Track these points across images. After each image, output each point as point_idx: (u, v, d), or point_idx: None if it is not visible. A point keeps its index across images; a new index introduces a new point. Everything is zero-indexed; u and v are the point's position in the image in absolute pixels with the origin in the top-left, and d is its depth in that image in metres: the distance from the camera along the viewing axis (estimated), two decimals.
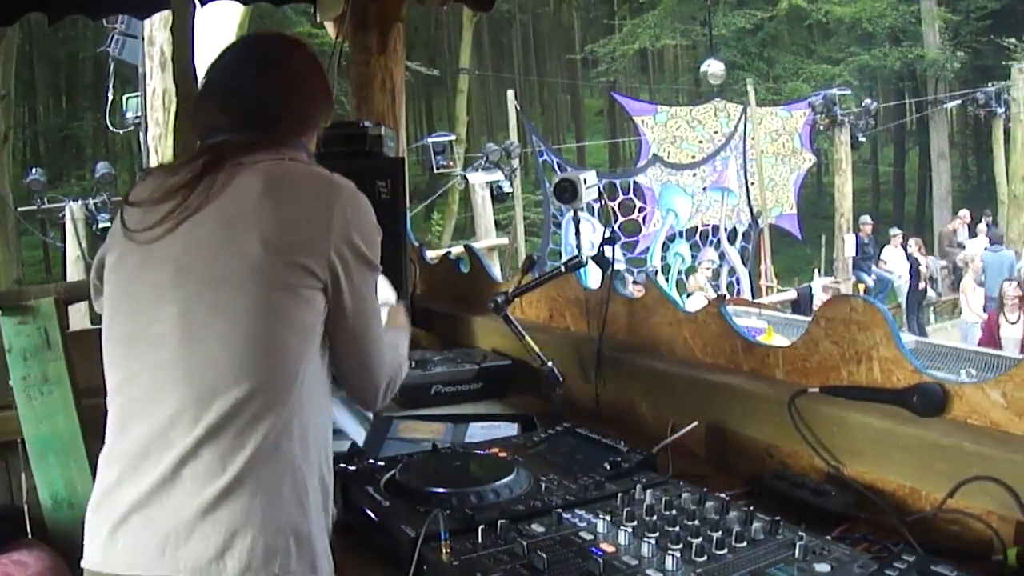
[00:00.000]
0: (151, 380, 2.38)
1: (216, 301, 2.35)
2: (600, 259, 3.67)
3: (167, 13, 5.56)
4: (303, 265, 2.37)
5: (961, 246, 24.86)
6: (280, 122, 2.61)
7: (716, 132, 21.75)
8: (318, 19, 6.16)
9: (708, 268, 19.28)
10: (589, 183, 3.67)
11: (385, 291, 3.10)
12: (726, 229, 20.61)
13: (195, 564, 2.22)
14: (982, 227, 25.32)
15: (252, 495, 2.25)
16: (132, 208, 2.53)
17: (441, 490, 2.46)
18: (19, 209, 16.09)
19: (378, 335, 2.61)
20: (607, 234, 3.79)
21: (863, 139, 25.67)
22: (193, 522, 2.23)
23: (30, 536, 4.29)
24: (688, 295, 17.90)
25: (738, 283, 20.54)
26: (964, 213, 26.86)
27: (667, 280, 18.94)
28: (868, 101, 26.37)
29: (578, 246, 3.76)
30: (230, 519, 2.23)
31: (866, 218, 25.21)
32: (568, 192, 3.64)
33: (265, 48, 2.78)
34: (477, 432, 3.53)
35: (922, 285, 23.24)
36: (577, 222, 3.85)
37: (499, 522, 2.23)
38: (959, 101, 31.78)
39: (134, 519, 2.29)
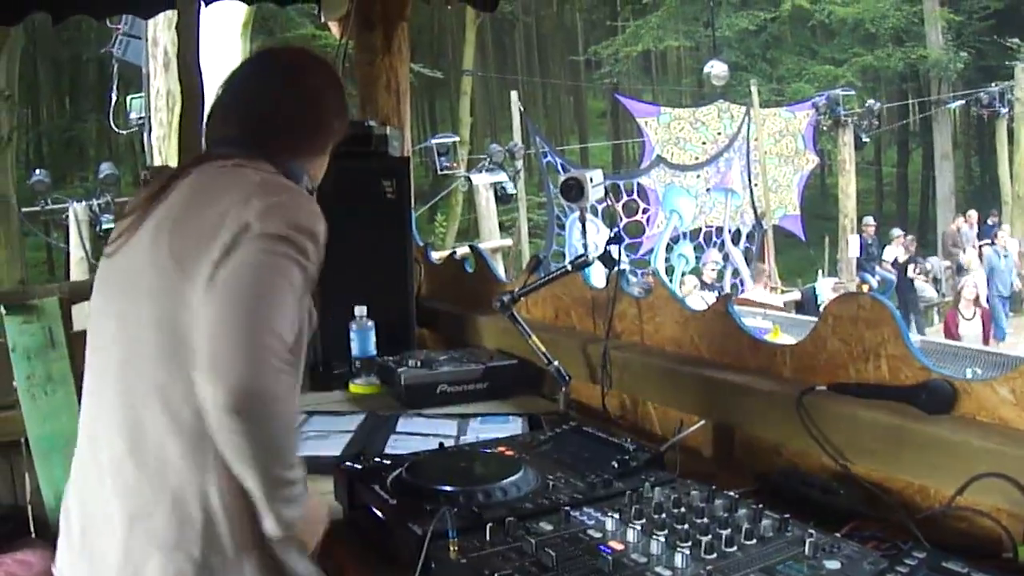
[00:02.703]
0: (98, 391, 2.44)
1: (140, 317, 2.33)
2: (606, 258, 3.67)
3: (171, 13, 5.58)
4: (195, 274, 2.25)
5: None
6: (276, 139, 2.60)
7: (719, 133, 21.73)
8: (322, 19, 6.18)
9: (713, 269, 19.26)
10: (596, 182, 3.66)
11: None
12: (730, 230, 20.59)
13: None
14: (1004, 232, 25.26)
15: (167, 515, 2.26)
16: (116, 223, 2.58)
17: (448, 488, 2.45)
18: (23, 210, 16.10)
19: (250, 314, 2.17)
20: (613, 233, 3.76)
21: (866, 140, 25.69)
22: (114, 541, 2.30)
23: (33, 535, 4.30)
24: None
25: (742, 284, 20.53)
26: (971, 214, 26.80)
27: (671, 282, 18.93)
28: (871, 102, 26.34)
29: (584, 245, 3.76)
30: (145, 540, 2.27)
31: (869, 219, 25.23)
32: (575, 191, 3.63)
33: (279, 64, 2.77)
34: (483, 431, 3.53)
35: (915, 282, 23.21)
36: (583, 222, 3.84)
37: (507, 520, 2.22)
38: (962, 101, 31.73)
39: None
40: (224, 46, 10.14)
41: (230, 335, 2.11)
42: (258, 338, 2.11)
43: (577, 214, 3.75)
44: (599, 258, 3.70)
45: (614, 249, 3.68)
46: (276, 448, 2.18)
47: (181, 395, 2.22)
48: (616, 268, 3.69)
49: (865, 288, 20.82)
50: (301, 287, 2.29)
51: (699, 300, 14.73)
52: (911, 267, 23.27)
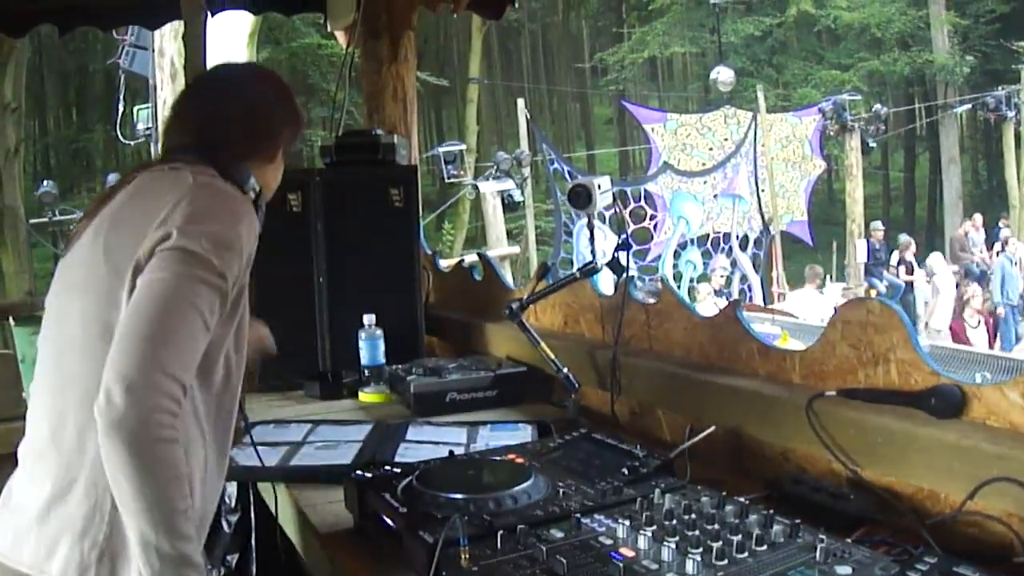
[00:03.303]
0: (38, 382, 2.52)
1: (71, 312, 2.42)
2: (615, 265, 3.67)
3: (177, 24, 5.59)
4: (124, 274, 2.31)
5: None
6: (225, 145, 2.62)
7: (726, 139, 21.79)
8: (329, 28, 6.19)
9: (722, 276, 19.26)
10: (603, 188, 3.66)
11: None
12: (737, 236, 20.61)
13: (31, 562, 2.33)
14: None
15: (79, 501, 2.32)
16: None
17: (459, 496, 2.45)
18: (31, 221, 16.16)
19: (150, 333, 2.15)
20: (621, 240, 3.77)
21: (873, 144, 25.68)
22: (32, 522, 2.36)
23: None
24: (694, 300, 17.88)
25: (750, 290, 20.53)
26: (977, 217, 26.76)
27: (679, 288, 18.92)
28: (878, 106, 26.35)
29: (593, 252, 3.76)
30: (57, 526, 2.33)
31: (877, 224, 25.21)
32: (583, 197, 3.63)
33: (228, 76, 2.88)
34: (493, 438, 3.53)
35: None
36: (592, 229, 3.85)
37: (518, 528, 2.22)
38: (969, 105, 31.71)
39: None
40: (231, 56, 10.14)
41: (123, 363, 2.11)
42: (147, 376, 2.10)
43: (584, 221, 3.75)
44: (607, 265, 3.70)
45: (622, 256, 3.68)
46: (154, 500, 2.11)
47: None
48: (625, 275, 3.69)
49: (873, 293, 20.82)
50: (215, 310, 2.29)
51: (713, 307, 14.74)
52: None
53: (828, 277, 23.64)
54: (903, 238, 24.88)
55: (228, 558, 4.02)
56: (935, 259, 22.59)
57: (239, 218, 2.41)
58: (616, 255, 3.68)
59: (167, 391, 2.11)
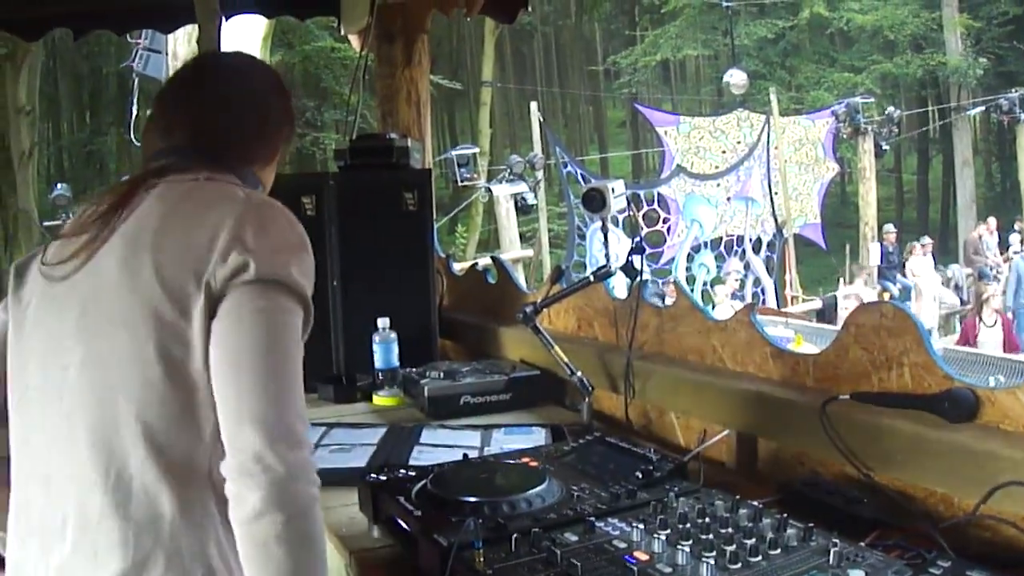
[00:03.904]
0: (51, 439, 2.11)
1: (115, 348, 2.05)
2: (629, 269, 3.67)
3: (191, 27, 5.60)
4: (186, 304, 2.03)
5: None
6: (228, 149, 2.38)
7: (739, 142, 21.75)
8: (342, 32, 6.19)
9: (736, 279, 19.24)
10: (617, 192, 3.66)
11: None
12: (751, 239, 20.59)
13: None
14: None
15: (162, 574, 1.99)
16: (55, 242, 2.27)
17: (473, 499, 2.46)
18: (44, 224, 16.21)
19: (271, 388, 1.99)
20: (635, 243, 3.77)
21: (886, 147, 25.66)
22: None
23: None
24: (714, 305, 17.86)
25: (763, 293, 20.51)
26: (991, 221, 26.68)
27: (692, 291, 18.92)
28: (891, 109, 26.33)
29: (607, 256, 3.76)
30: None
31: (890, 227, 25.16)
32: (597, 201, 3.63)
33: (216, 68, 2.57)
34: (507, 441, 3.54)
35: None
36: (606, 232, 3.85)
37: (532, 531, 2.23)
38: (982, 108, 31.64)
39: None
40: None
41: (262, 414, 1.94)
42: (291, 426, 1.97)
43: (598, 224, 3.74)
44: (621, 268, 3.70)
45: (636, 259, 3.69)
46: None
47: (175, 438, 2.02)
48: (638, 278, 3.69)
49: (886, 296, 20.78)
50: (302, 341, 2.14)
51: (730, 310, 14.75)
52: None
53: (841, 280, 23.63)
54: (924, 239, 24.84)
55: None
56: (916, 262, 22.59)
57: (304, 236, 2.19)
58: (630, 259, 3.68)
59: (308, 442, 2.00)
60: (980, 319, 16.16)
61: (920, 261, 22.90)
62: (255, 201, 2.18)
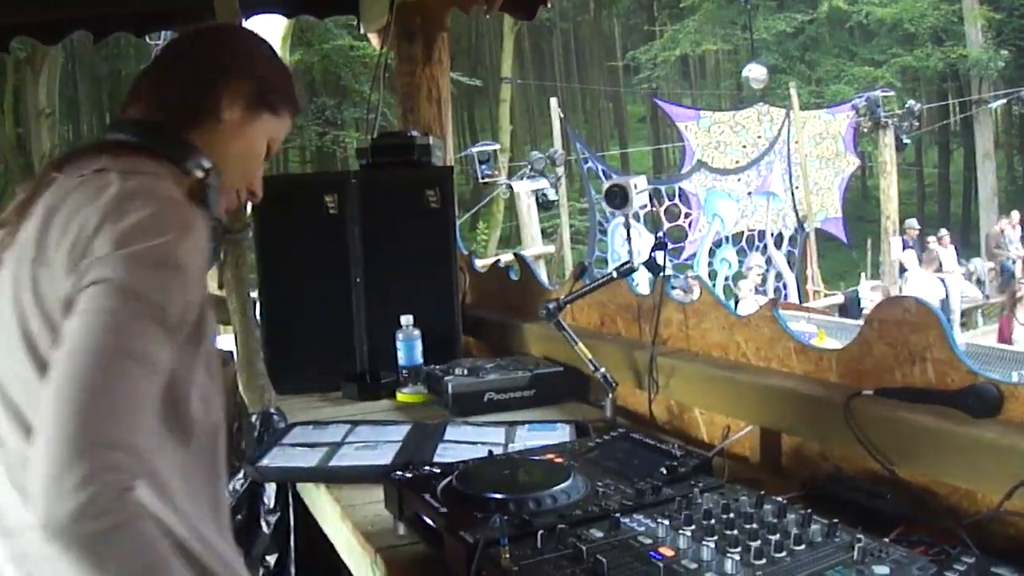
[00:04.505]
0: None
1: (8, 371, 1.96)
2: (652, 264, 3.67)
3: None
4: (56, 324, 1.88)
5: None
6: (159, 117, 2.22)
7: (759, 137, 21.70)
8: (362, 30, 6.21)
9: (758, 274, 19.21)
10: (640, 188, 3.66)
11: None
12: (772, 234, 20.56)
13: None
14: None
15: None
16: None
17: (499, 496, 2.46)
18: None
19: (81, 406, 1.72)
20: (658, 238, 3.77)
21: (907, 141, 25.56)
22: None
23: None
24: (737, 300, 17.84)
25: (785, 288, 20.48)
26: (1014, 215, 26.57)
27: (714, 286, 18.90)
28: (911, 102, 26.22)
29: (630, 252, 3.77)
30: None
31: (912, 221, 25.09)
32: (619, 198, 3.63)
33: (177, 39, 2.45)
34: (531, 438, 3.54)
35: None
36: (628, 228, 3.86)
37: (558, 527, 2.23)
38: (1003, 100, 31.64)
39: None
40: None
41: (56, 451, 1.67)
42: (90, 460, 1.66)
43: (619, 220, 3.74)
44: (644, 264, 3.70)
45: (659, 255, 3.69)
46: None
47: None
48: (661, 274, 3.70)
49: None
50: (161, 345, 1.86)
51: (754, 304, 14.73)
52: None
53: (863, 274, 23.58)
54: (941, 231, 24.77)
55: (267, 558, 4.04)
56: (908, 256, 22.53)
57: (181, 228, 1.95)
58: (653, 254, 3.69)
59: (113, 465, 1.67)
60: (1014, 317, 16.06)
61: (941, 253, 22.82)
62: (125, 191, 1.97)
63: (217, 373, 2.18)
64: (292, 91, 2.46)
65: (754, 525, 2.19)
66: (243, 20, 4.98)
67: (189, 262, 1.93)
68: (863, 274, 24.33)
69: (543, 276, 5.10)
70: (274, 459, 3.45)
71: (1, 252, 2.05)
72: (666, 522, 2.26)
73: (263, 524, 3.96)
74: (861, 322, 3.14)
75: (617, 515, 2.33)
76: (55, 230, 1.95)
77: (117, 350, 1.78)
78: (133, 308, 1.82)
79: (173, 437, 2.01)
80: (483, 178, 20.56)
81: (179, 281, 1.91)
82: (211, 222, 2.18)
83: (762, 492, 2.42)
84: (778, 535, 2.12)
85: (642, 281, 4.03)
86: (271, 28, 10.79)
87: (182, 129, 2.22)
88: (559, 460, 2.86)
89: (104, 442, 1.68)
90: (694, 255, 19.78)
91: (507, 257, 5.67)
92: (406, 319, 4.43)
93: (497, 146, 23.07)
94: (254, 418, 3.96)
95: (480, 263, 5.67)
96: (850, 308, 19.79)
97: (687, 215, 19.69)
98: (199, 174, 2.21)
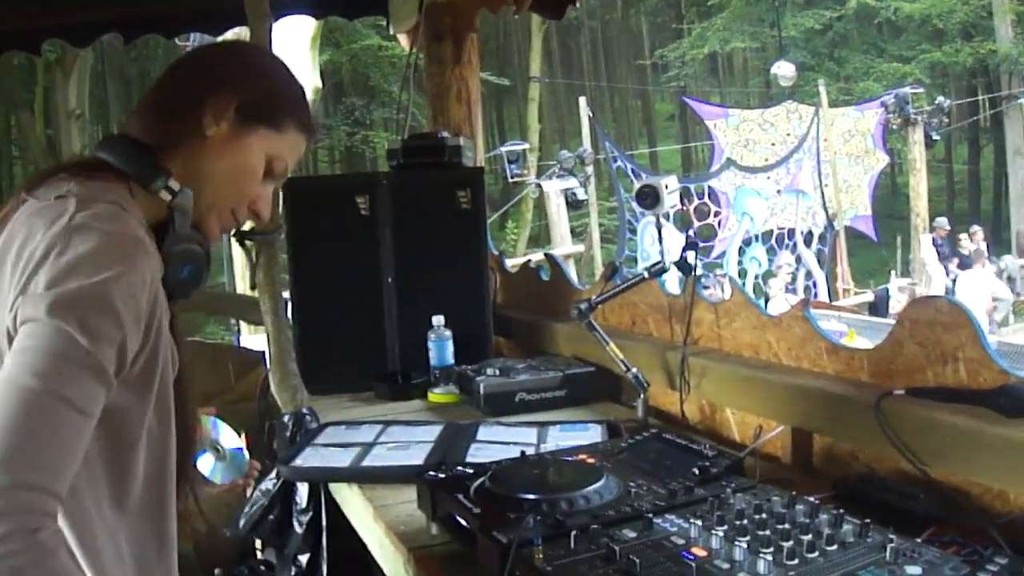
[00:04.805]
0: None
1: None
2: (683, 264, 3.68)
3: (239, 30, 5.63)
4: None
5: None
6: (141, 134, 2.16)
7: (788, 134, 21.68)
8: (391, 31, 6.23)
9: (788, 272, 19.17)
10: (671, 188, 3.66)
11: None
12: (802, 232, 20.53)
13: None
14: None
15: None
16: None
17: (532, 496, 2.47)
18: None
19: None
20: (688, 237, 3.77)
21: (937, 138, 25.49)
22: None
23: None
24: (767, 299, 17.82)
25: (815, 286, 20.44)
26: None
27: (743, 285, 18.86)
28: (941, 99, 26.16)
29: (661, 251, 3.77)
30: None
31: (942, 220, 24.98)
32: (650, 198, 3.64)
33: (189, 54, 2.33)
34: (563, 438, 3.54)
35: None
36: (660, 228, 3.86)
37: (591, 527, 2.24)
38: None
39: None
40: (293, 60, 10.21)
41: None
42: (5, 499, 1.61)
43: (648, 219, 3.75)
44: (676, 264, 3.70)
45: (690, 255, 3.69)
46: None
47: None
48: (692, 274, 3.70)
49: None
50: (91, 392, 1.78)
51: (785, 303, 14.70)
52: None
53: (893, 272, 23.52)
54: (972, 228, 24.66)
55: (299, 558, 4.05)
56: (926, 253, 22.46)
57: (119, 265, 1.87)
58: (684, 254, 3.69)
59: (27, 506, 1.63)
60: None
61: (928, 254, 22.73)
62: (75, 224, 1.88)
63: (171, 425, 2.11)
64: (300, 107, 2.33)
65: (786, 525, 2.20)
66: (273, 21, 5.01)
67: (123, 303, 1.84)
68: (893, 272, 24.24)
69: (573, 276, 5.11)
70: (307, 459, 3.47)
71: None
72: (698, 522, 2.26)
73: (295, 524, 3.98)
74: (890, 321, 3.14)
75: (650, 515, 2.33)
76: (11, 259, 1.89)
77: (43, 390, 1.71)
78: (62, 350, 1.75)
79: (113, 489, 1.98)
80: (512, 177, 20.60)
81: (111, 322, 1.82)
82: (181, 246, 2.12)
83: (794, 492, 2.42)
84: (810, 535, 2.12)
85: (671, 280, 4.03)
86: (301, 29, 10.85)
87: (166, 149, 2.14)
88: (591, 460, 2.87)
89: (20, 483, 1.63)
90: (723, 254, 19.77)
91: (537, 257, 5.67)
92: (437, 319, 4.44)
93: (526, 145, 23.09)
94: (286, 418, 3.97)
95: (510, 263, 5.69)
96: (880, 306, 19.74)
97: (716, 213, 19.68)
98: (165, 196, 2.11)
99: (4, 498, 1.59)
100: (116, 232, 1.90)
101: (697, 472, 2.66)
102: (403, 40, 6.12)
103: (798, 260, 20.21)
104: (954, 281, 22.42)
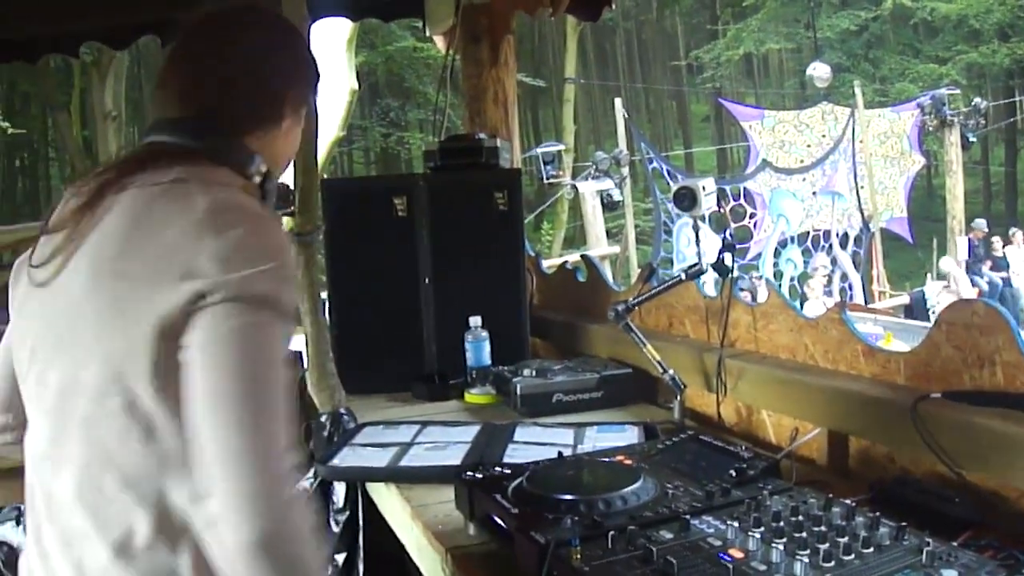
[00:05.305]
0: (55, 448, 1.99)
1: (83, 376, 1.90)
2: (720, 266, 3.68)
3: None
4: (145, 335, 1.84)
5: None
6: (214, 119, 2.15)
7: (824, 136, 21.63)
8: (427, 33, 6.24)
9: (824, 275, 19.12)
10: (708, 190, 3.67)
11: None
12: (837, 234, 20.47)
13: None
14: None
15: None
16: (43, 236, 2.10)
17: (569, 497, 2.48)
18: None
19: (252, 422, 1.79)
20: (725, 239, 3.77)
21: (973, 139, 25.36)
22: None
23: None
24: (803, 301, 17.78)
25: (850, 289, 20.38)
26: None
27: (779, 286, 18.78)
28: (977, 100, 26.05)
29: (698, 253, 3.78)
30: None
31: (980, 222, 24.88)
32: (687, 200, 3.64)
33: (214, 26, 2.26)
34: (600, 439, 3.54)
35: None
36: (696, 229, 3.86)
37: (628, 528, 2.25)
38: None
39: None
40: (330, 63, 10.24)
41: (234, 465, 1.74)
42: (270, 466, 1.76)
43: (684, 220, 3.74)
44: (713, 266, 3.71)
45: (727, 256, 3.70)
46: None
47: (144, 473, 1.87)
48: (729, 276, 3.71)
49: (975, 292, 20.60)
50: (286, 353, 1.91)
51: (822, 306, 14.65)
52: None
53: (929, 275, 23.42)
54: (1012, 230, 24.53)
55: (336, 557, 4.07)
56: (946, 263, 22.33)
57: (276, 233, 2.01)
58: (721, 255, 3.70)
59: (293, 478, 1.81)
60: None
61: (948, 263, 22.61)
62: (215, 207, 1.94)
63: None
64: (317, 84, 2.48)
65: (822, 528, 2.21)
66: (310, 24, 5.04)
67: (292, 265, 2.00)
68: (929, 274, 24.14)
69: (610, 277, 5.11)
70: (345, 459, 3.49)
71: (66, 258, 1.99)
72: (735, 524, 2.27)
73: (332, 523, 3.99)
74: (926, 324, 3.14)
75: (687, 517, 2.34)
76: (138, 242, 1.91)
77: (269, 362, 1.84)
78: (273, 321, 1.86)
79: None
80: (548, 179, 20.61)
81: (290, 288, 1.95)
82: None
83: (830, 495, 2.42)
84: (846, 538, 2.13)
85: (708, 281, 4.04)
86: (337, 31, 10.86)
87: (243, 133, 2.19)
88: (628, 462, 2.88)
89: (284, 449, 1.79)
90: (759, 255, 19.74)
91: (573, 258, 5.68)
92: (474, 320, 4.45)
93: (562, 146, 23.12)
94: (324, 418, 3.99)
95: (547, 264, 5.69)
96: (915, 309, 19.67)
97: (752, 215, 19.65)
98: (258, 179, 2.20)
99: (275, 480, 1.75)
100: (257, 213, 2.01)
101: (734, 474, 2.66)
102: (439, 42, 6.14)
103: (833, 262, 20.16)
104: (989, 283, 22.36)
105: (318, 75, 2.42)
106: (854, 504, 2.34)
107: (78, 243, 1.97)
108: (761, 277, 17.44)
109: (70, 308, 1.94)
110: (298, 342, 4.20)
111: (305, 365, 4.24)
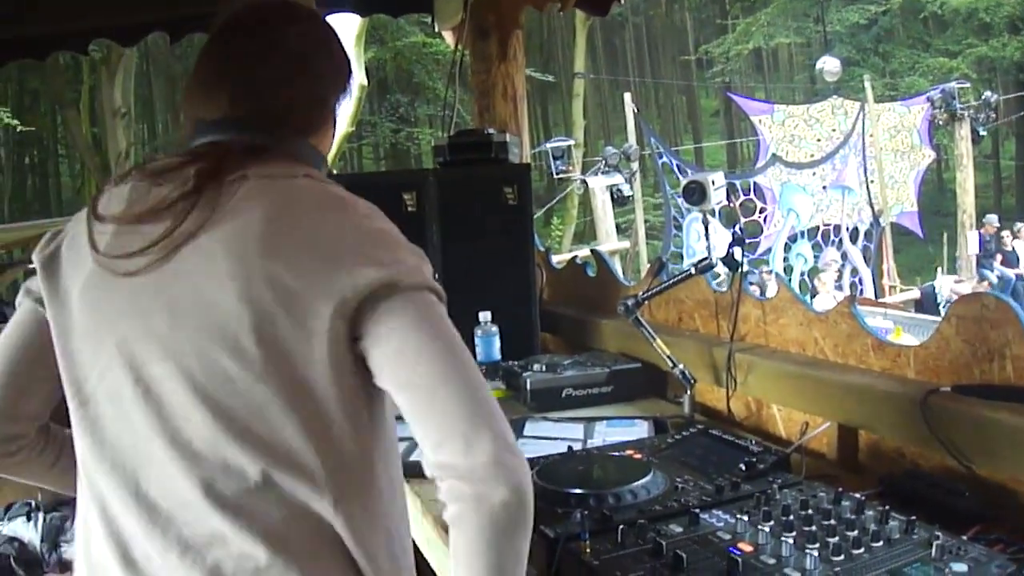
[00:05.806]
0: (134, 453, 1.92)
1: (211, 365, 1.85)
2: (730, 261, 3.68)
3: None
4: (314, 318, 1.83)
5: None
6: (287, 118, 2.10)
7: (834, 130, 21.56)
8: (436, 28, 6.23)
9: (835, 269, 19.08)
10: (717, 185, 3.67)
11: None
12: (847, 228, 20.43)
13: None
14: None
15: None
16: (103, 224, 1.98)
17: (579, 491, 2.49)
18: None
19: (465, 379, 1.86)
20: (735, 234, 3.77)
21: (984, 133, 25.22)
22: None
23: None
24: (814, 295, 17.75)
25: (861, 283, 20.34)
26: None
27: (789, 281, 18.79)
28: (988, 94, 25.90)
29: (708, 248, 3.78)
30: None
31: (992, 217, 24.79)
32: (697, 194, 3.64)
33: (264, 19, 2.16)
34: (610, 434, 3.55)
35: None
36: (706, 224, 3.86)
37: (638, 522, 2.26)
38: None
39: None
40: None
41: (489, 423, 1.81)
42: (507, 434, 1.84)
43: (694, 215, 3.74)
44: (722, 260, 3.70)
45: (737, 251, 3.70)
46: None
47: (311, 453, 1.85)
48: (739, 270, 3.70)
49: (985, 286, 20.55)
50: None
51: (832, 300, 14.65)
52: None
53: (939, 269, 23.36)
54: (1016, 225, 24.47)
55: None
56: (944, 281, 22.26)
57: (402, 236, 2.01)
58: (731, 250, 3.69)
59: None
60: None
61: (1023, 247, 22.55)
62: (360, 207, 1.98)
63: None
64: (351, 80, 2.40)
65: (832, 521, 2.21)
66: None
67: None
68: (939, 269, 24.08)
69: (620, 272, 5.11)
70: None
71: (176, 245, 1.89)
72: (745, 518, 2.28)
73: None
74: (936, 318, 3.14)
75: (696, 510, 2.36)
76: (286, 228, 1.87)
77: (459, 344, 1.90)
78: (440, 303, 1.93)
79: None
80: (558, 174, 20.55)
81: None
82: None
83: (840, 488, 2.44)
84: (856, 531, 2.14)
85: (721, 276, 4.04)
86: (346, 26, 10.86)
87: (301, 135, 2.13)
88: (638, 456, 2.89)
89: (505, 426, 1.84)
90: (769, 250, 19.69)
91: (583, 253, 5.68)
92: (484, 315, 4.47)
93: (571, 141, 23.02)
94: None
95: (556, 259, 5.69)
96: (926, 303, 19.61)
97: (762, 210, 19.60)
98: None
99: (506, 435, 1.83)
100: (374, 208, 2.03)
101: (743, 468, 2.67)
102: (448, 37, 6.14)
103: (844, 257, 20.11)
104: (1000, 277, 22.32)
105: (351, 71, 2.31)
106: (864, 498, 2.35)
107: (188, 233, 1.88)
108: (771, 272, 17.41)
109: (198, 295, 1.86)
110: None
111: None
